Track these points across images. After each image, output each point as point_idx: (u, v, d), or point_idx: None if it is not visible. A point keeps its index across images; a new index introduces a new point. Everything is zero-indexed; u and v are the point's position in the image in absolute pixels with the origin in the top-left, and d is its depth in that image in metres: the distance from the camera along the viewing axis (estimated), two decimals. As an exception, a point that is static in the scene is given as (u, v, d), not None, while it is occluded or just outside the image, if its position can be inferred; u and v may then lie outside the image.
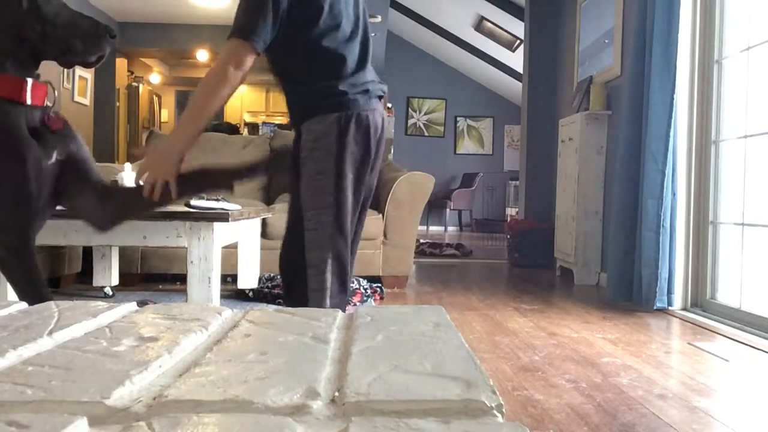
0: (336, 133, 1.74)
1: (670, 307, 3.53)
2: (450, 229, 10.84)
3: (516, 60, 8.84)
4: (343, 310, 1.66)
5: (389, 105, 10.41)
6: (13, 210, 1.58)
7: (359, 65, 1.82)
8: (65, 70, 7.16)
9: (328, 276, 1.76)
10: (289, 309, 0.89)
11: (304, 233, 1.78)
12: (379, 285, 3.96)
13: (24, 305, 0.87)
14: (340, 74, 1.77)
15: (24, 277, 1.62)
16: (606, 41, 4.79)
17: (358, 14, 1.87)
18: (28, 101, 1.60)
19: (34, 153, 1.58)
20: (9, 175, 1.56)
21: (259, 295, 3.73)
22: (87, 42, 1.65)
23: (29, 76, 1.64)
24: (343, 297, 1.82)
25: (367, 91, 1.80)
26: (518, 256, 5.73)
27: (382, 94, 1.88)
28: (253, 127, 12.51)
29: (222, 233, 2.89)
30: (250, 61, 1.71)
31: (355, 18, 1.85)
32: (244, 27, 1.68)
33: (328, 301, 1.75)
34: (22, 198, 1.58)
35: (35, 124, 1.64)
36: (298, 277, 1.79)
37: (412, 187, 4.28)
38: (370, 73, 1.85)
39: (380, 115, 1.85)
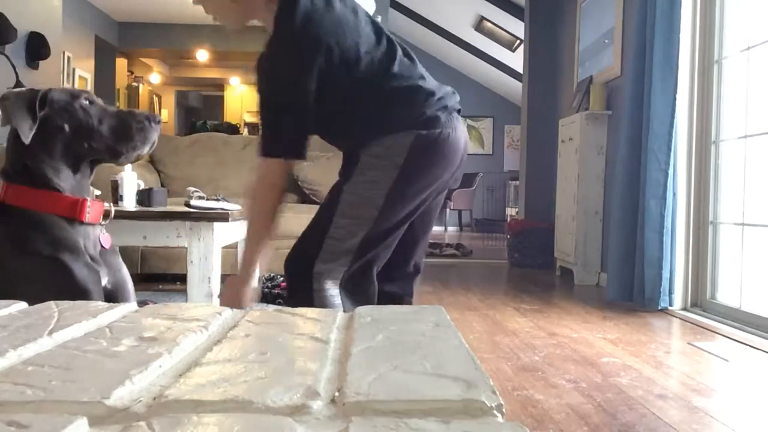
0: (410, 146, 1.55)
1: (670, 307, 3.53)
2: (450, 229, 10.85)
3: (516, 60, 8.84)
4: None
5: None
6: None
7: (426, 74, 1.65)
8: (65, 70, 7.17)
9: (337, 291, 1.59)
10: (289, 309, 0.89)
11: (325, 240, 1.59)
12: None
13: (24, 305, 0.87)
14: (417, 87, 1.59)
15: None
16: (606, 41, 4.79)
17: (379, 30, 1.67)
18: (87, 220, 1.61)
19: (93, 275, 1.58)
20: (66, 272, 1.55)
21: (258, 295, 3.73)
22: (135, 139, 1.64)
23: (85, 192, 1.64)
24: None
25: (445, 107, 1.61)
26: (518, 256, 5.73)
27: (459, 107, 1.69)
28: (253, 127, 12.52)
29: (222, 233, 2.89)
30: (288, 168, 1.59)
31: (381, 35, 1.65)
32: (270, 145, 1.56)
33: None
34: (86, 295, 1.55)
35: (91, 246, 1.64)
36: (301, 282, 1.64)
37: (412, 187, 4.27)
38: (433, 83, 1.67)
39: (462, 133, 1.65)
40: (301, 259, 1.62)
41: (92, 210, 1.61)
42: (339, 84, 1.57)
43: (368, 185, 1.57)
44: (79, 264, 1.55)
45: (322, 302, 1.57)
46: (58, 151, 1.58)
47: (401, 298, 1.77)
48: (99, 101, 1.65)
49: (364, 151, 1.58)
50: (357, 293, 1.62)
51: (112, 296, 1.67)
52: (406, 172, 1.55)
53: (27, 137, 1.51)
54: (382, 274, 1.69)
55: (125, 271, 1.75)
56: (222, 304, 1.67)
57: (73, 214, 1.58)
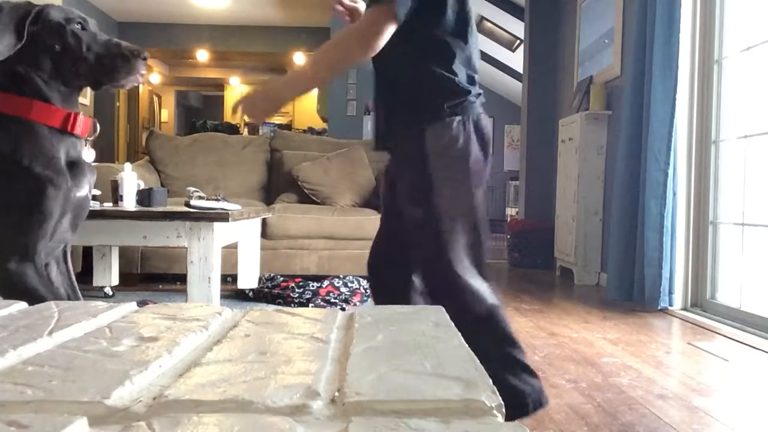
0: (463, 136, 1.58)
1: (670, 307, 3.53)
2: (450, 229, 10.83)
3: (516, 60, 8.84)
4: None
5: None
6: (27, 233, 1.63)
7: (477, 63, 1.66)
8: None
9: (476, 280, 1.60)
10: (289, 309, 0.89)
11: (441, 235, 1.60)
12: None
13: (24, 305, 0.87)
14: (463, 71, 1.61)
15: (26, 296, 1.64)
16: (606, 41, 4.80)
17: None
18: (78, 132, 1.69)
19: (65, 184, 1.65)
20: (35, 199, 1.61)
21: (259, 295, 3.73)
22: (119, 71, 1.70)
23: (75, 106, 1.73)
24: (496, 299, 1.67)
25: (480, 94, 1.65)
26: (518, 256, 5.73)
27: (483, 100, 1.72)
28: (253, 127, 12.52)
29: (222, 233, 2.89)
30: (389, 29, 1.52)
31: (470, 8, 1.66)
32: None
33: (488, 301, 1.60)
34: (45, 219, 1.62)
35: (76, 155, 1.72)
36: (452, 289, 1.62)
37: (412, 187, 4.27)
38: (476, 72, 1.69)
39: (488, 120, 1.69)
40: (440, 267, 1.61)
41: (82, 124, 1.70)
42: (420, 18, 1.54)
43: (450, 183, 1.61)
44: (56, 187, 1.61)
45: (474, 297, 1.58)
46: (47, 67, 1.65)
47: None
48: (92, 27, 1.71)
49: (430, 149, 1.59)
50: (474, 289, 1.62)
51: (84, 203, 1.76)
52: (471, 162, 1.61)
53: (3, 54, 1.56)
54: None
55: (94, 180, 1.83)
56: (245, 106, 1.59)
57: (65, 126, 1.66)
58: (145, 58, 1.72)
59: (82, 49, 1.67)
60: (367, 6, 1.58)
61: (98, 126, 1.81)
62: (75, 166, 1.70)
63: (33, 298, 1.60)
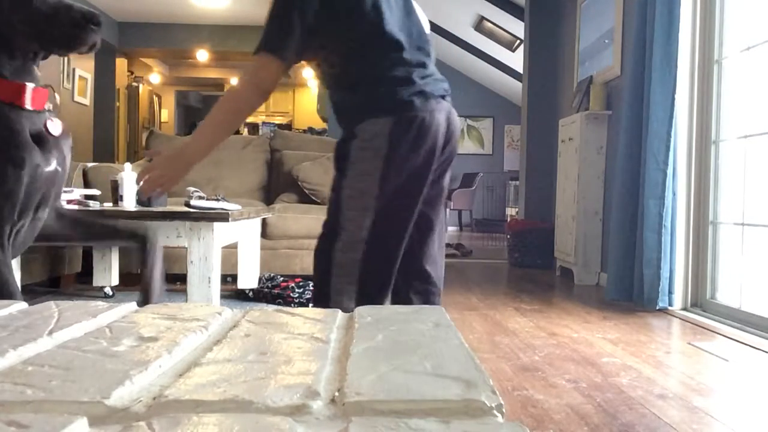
0: (388, 134, 1.60)
1: (670, 307, 3.53)
2: (450, 229, 10.84)
3: (516, 60, 8.84)
4: None
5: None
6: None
7: (415, 61, 1.67)
8: (65, 70, 7.17)
9: (356, 281, 1.63)
10: (289, 309, 0.89)
11: (340, 233, 1.64)
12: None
13: (24, 305, 0.87)
14: (393, 74, 1.63)
15: None
16: (606, 41, 4.79)
17: (409, 6, 1.72)
18: (28, 106, 1.58)
19: (32, 158, 1.58)
20: (2, 176, 1.55)
21: (259, 295, 3.73)
22: (71, 37, 1.59)
23: (30, 78, 1.61)
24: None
25: (422, 92, 1.63)
26: (518, 256, 5.73)
27: (443, 93, 1.70)
28: (253, 127, 12.53)
29: (222, 233, 2.89)
30: (277, 75, 1.62)
31: (405, 8, 1.70)
32: (268, 39, 1.59)
33: (350, 305, 1.61)
34: (8, 200, 1.56)
35: (38, 129, 1.62)
36: (324, 277, 1.68)
37: (412, 187, 4.27)
38: (426, 69, 1.69)
39: (444, 117, 1.68)
40: (324, 256, 1.67)
41: (35, 96, 1.57)
42: (332, 36, 1.62)
43: (360, 177, 1.63)
44: (16, 165, 1.53)
45: (343, 292, 1.62)
46: None
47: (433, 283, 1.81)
48: None
49: (353, 144, 1.64)
50: (372, 287, 1.66)
51: (56, 177, 1.67)
52: (390, 159, 1.61)
53: None
54: (403, 284, 1.74)
55: (67, 158, 1.74)
56: (147, 181, 1.64)
57: (14, 99, 1.54)
58: (98, 24, 1.60)
59: (29, 8, 1.54)
60: (254, 53, 1.63)
61: (57, 96, 1.70)
62: (39, 141, 1.60)
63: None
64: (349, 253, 1.64)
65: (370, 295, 1.63)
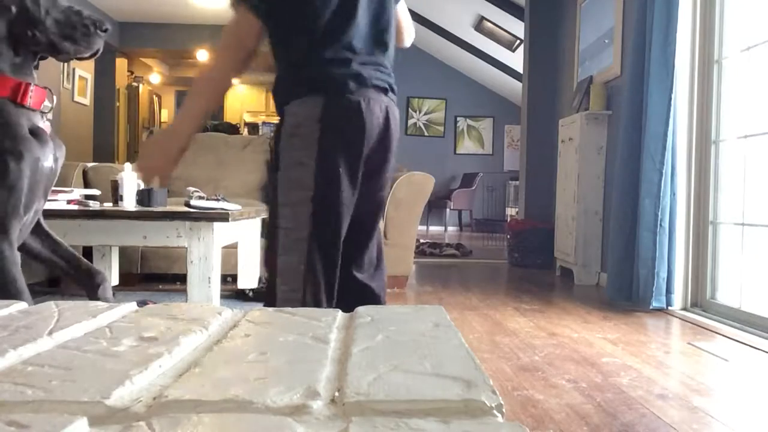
0: (319, 117, 1.50)
1: (669, 307, 3.53)
2: (450, 229, 10.85)
3: (516, 60, 8.84)
4: None
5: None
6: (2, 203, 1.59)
7: (360, 48, 1.56)
8: (65, 70, 7.17)
9: (302, 286, 1.51)
10: (289, 309, 0.89)
11: (278, 232, 1.53)
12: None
13: (24, 305, 0.87)
14: (330, 54, 1.53)
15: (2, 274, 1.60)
16: (606, 41, 4.80)
17: None
18: (29, 104, 1.61)
19: (32, 152, 1.60)
20: (3, 168, 1.57)
21: (259, 295, 3.73)
22: (78, 41, 1.64)
23: (29, 77, 1.65)
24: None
25: (359, 75, 1.53)
26: (518, 256, 5.73)
27: (384, 85, 1.59)
28: (253, 127, 12.52)
29: (222, 233, 2.89)
30: (253, 26, 1.52)
31: None
32: None
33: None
34: (12, 194, 1.58)
35: (35, 125, 1.65)
36: (271, 283, 1.57)
37: (412, 187, 4.28)
38: (373, 57, 1.58)
39: (381, 109, 1.57)
40: (269, 257, 1.56)
41: (35, 95, 1.61)
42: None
43: (294, 168, 1.53)
44: (19, 159, 1.56)
45: (290, 301, 1.49)
46: (2, 30, 1.59)
47: (372, 290, 1.69)
48: None
49: (283, 130, 1.55)
50: (317, 289, 1.54)
51: (51, 174, 1.70)
52: (323, 145, 1.51)
53: None
54: (349, 264, 1.63)
55: (61, 153, 1.77)
56: (141, 165, 1.55)
57: (15, 96, 1.58)
58: (105, 30, 1.66)
59: (39, 12, 1.60)
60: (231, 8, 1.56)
61: (54, 97, 1.73)
62: (36, 136, 1.63)
63: (5, 279, 1.57)
64: (291, 255, 1.52)
65: (316, 301, 1.52)
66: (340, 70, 1.53)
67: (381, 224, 1.70)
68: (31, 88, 1.62)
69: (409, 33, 1.82)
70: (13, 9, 1.59)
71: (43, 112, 1.68)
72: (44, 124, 1.69)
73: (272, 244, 1.55)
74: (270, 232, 1.56)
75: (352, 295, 1.63)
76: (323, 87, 1.53)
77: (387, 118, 1.59)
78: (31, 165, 1.60)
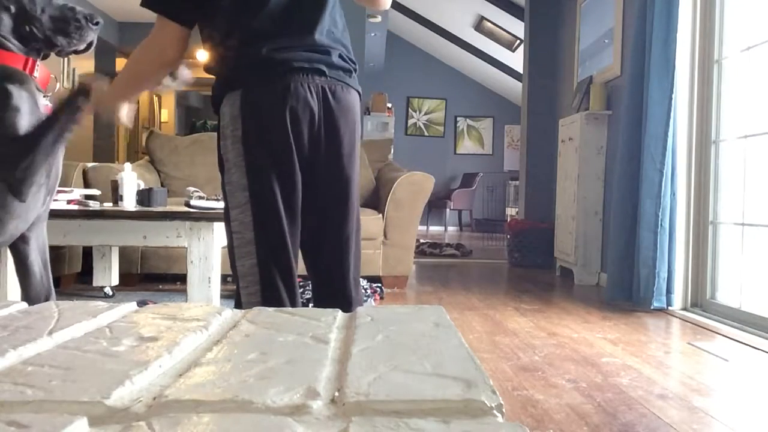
0: (239, 113, 1.46)
1: (669, 307, 3.53)
2: (450, 229, 10.85)
3: (516, 60, 8.84)
4: None
5: (389, 105, 10.42)
6: (10, 145, 1.67)
7: (267, 27, 1.49)
8: (65, 70, 7.17)
9: (259, 288, 1.48)
10: (289, 309, 0.89)
11: (233, 237, 1.51)
12: (379, 285, 3.96)
13: (24, 305, 0.87)
14: (236, 43, 1.48)
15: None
16: (606, 41, 4.80)
17: None
18: (36, 75, 1.74)
19: (29, 92, 1.72)
20: (9, 115, 1.67)
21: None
22: (71, 35, 1.75)
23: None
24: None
25: (271, 60, 1.46)
26: (518, 256, 5.73)
27: (317, 66, 1.49)
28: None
29: (222, 233, 2.89)
30: (175, 34, 1.49)
31: None
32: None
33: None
34: (16, 135, 1.67)
35: (41, 104, 1.77)
36: (237, 288, 1.55)
37: (412, 187, 4.28)
38: (296, 39, 1.50)
39: (312, 91, 1.48)
40: (232, 268, 1.55)
41: (41, 71, 1.76)
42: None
43: (231, 170, 1.50)
44: (20, 87, 1.68)
45: (251, 304, 1.46)
46: (7, 27, 1.72)
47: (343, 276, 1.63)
48: None
49: (220, 133, 1.53)
50: (275, 290, 1.50)
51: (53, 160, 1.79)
52: (246, 141, 1.47)
53: None
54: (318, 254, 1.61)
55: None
56: (95, 100, 1.63)
57: (25, 68, 1.73)
58: (97, 23, 1.77)
59: (36, 10, 1.72)
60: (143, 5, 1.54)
61: (57, 84, 1.88)
62: (39, 111, 1.74)
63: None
64: (245, 259, 1.49)
65: (278, 302, 1.49)
66: (251, 60, 1.47)
67: (358, 213, 1.65)
68: (38, 64, 1.75)
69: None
70: (12, 8, 1.72)
71: (46, 95, 1.79)
72: (47, 109, 1.80)
73: (230, 249, 1.53)
74: (228, 237, 1.54)
75: (321, 285, 1.63)
76: (237, 82, 1.48)
77: (325, 99, 1.50)
78: (28, 99, 1.71)
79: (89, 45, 1.79)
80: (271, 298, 1.48)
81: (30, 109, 1.69)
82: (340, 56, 1.55)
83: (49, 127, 1.68)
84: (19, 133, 1.66)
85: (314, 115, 1.50)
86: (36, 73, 1.74)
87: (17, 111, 1.66)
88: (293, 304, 1.52)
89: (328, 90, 1.51)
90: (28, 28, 1.72)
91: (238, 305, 1.51)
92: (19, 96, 1.68)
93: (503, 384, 2.11)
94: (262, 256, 1.48)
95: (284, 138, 1.47)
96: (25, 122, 1.67)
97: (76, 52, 1.80)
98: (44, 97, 1.77)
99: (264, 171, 1.47)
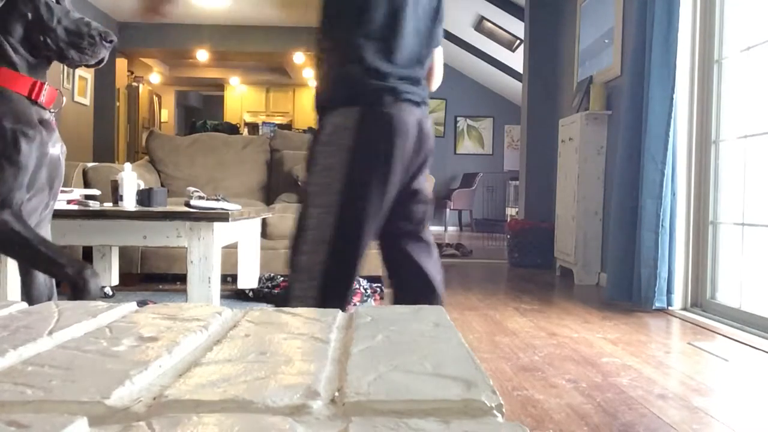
0: (353, 126, 1.57)
1: (670, 307, 3.53)
2: (450, 229, 10.84)
3: (516, 60, 8.83)
4: None
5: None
6: (2, 184, 1.67)
7: (398, 57, 1.62)
8: (65, 69, 7.17)
9: (316, 285, 1.57)
10: (289, 309, 0.89)
11: (305, 233, 1.60)
12: (379, 285, 3.96)
13: (24, 305, 0.87)
14: (372, 65, 1.59)
15: (32, 250, 1.68)
16: (606, 41, 4.79)
17: (435, 15, 1.72)
18: (42, 101, 1.74)
19: (38, 137, 1.71)
20: (9, 152, 1.66)
21: (259, 295, 3.73)
22: (84, 50, 1.75)
23: (41, 78, 1.77)
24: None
25: (394, 89, 1.60)
26: (518, 256, 5.73)
27: (418, 99, 1.66)
28: (253, 127, 12.52)
29: (222, 233, 2.89)
30: None
31: (431, 16, 1.70)
32: None
33: None
34: (15, 175, 1.67)
35: (44, 118, 1.77)
36: (290, 279, 1.64)
37: (412, 187, 4.27)
38: (411, 72, 1.65)
39: (415, 121, 1.63)
40: (291, 257, 1.63)
41: (47, 93, 1.76)
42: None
43: (324, 172, 1.60)
44: (29, 138, 1.67)
45: (303, 299, 1.56)
46: (18, 34, 1.71)
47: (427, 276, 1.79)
48: (68, 3, 1.78)
49: (319, 138, 1.62)
50: (333, 291, 1.60)
51: (59, 163, 1.81)
52: (355, 153, 1.58)
53: None
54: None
55: (64, 150, 1.87)
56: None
57: (31, 94, 1.72)
58: (111, 42, 1.78)
59: (52, 20, 1.72)
60: None
61: (63, 99, 1.86)
62: (45, 125, 1.74)
63: (13, 242, 1.66)
64: (313, 255, 1.58)
65: (328, 302, 1.54)
66: (378, 83, 1.60)
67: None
68: (45, 87, 1.74)
69: (438, 78, 1.87)
70: (29, 15, 1.72)
71: (51, 111, 1.79)
72: (53, 123, 1.81)
73: (296, 243, 1.61)
74: (297, 231, 1.62)
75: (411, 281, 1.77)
76: (360, 99, 1.60)
77: (421, 131, 1.66)
78: (39, 148, 1.71)
79: (100, 61, 1.80)
80: (325, 297, 1.57)
81: (36, 156, 1.70)
82: (426, 93, 1.75)
83: (37, 244, 1.66)
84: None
85: (414, 144, 1.65)
86: (43, 97, 1.73)
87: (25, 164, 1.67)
88: (343, 308, 1.61)
89: (422, 123, 1.68)
90: (42, 38, 1.72)
91: (287, 298, 1.60)
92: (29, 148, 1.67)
93: (503, 384, 2.11)
94: (332, 258, 1.58)
95: (390, 161, 1.60)
96: (29, 150, 1.67)
97: (86, 66, 1.81)
98: (50, 112, 1.78)
99: (364, 184, 1.59)
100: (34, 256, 1.70)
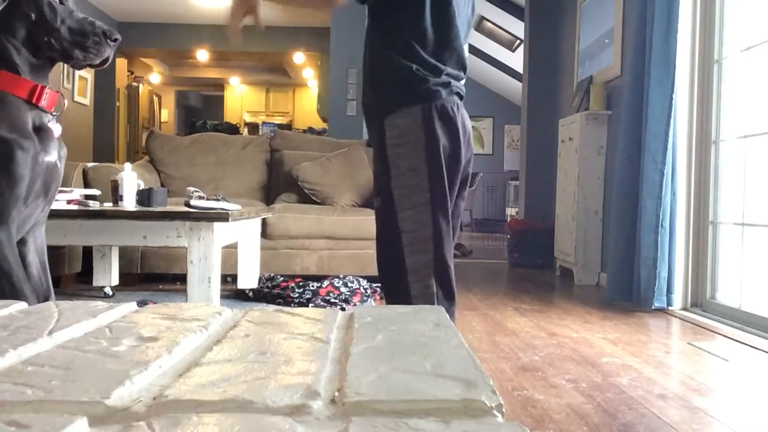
0: (421, 124, 1.61)
1: (670, 307, 3.53)
2: (450, 229, 10.83)
3: (516, 60, 8.84)
4: (452, 320, 1.49)
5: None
6: (2, 195, 1.65)
7: (446, 55, 1.66)
8: (65, 69, 7.17)
9: (433, 281, 1.65)
10: (289, 309, 0.89)
11: (401, 236, 1.63)
12: (380, 285, 3.96)
13: (24, 305, 0.87)
14: (427, 61, 1.63)
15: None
16: (606, 41, 4.80)
17: (470, 19, 1.77)
18: (43, 105, 1.72)
19: (33, 148, 1.68)
20: (4, 163, 1.63)
21: (259, 295, 3.73)
22: (88, 49, 1.74)
23: (44, 80, 1.76)
24: (451, 303, 1.71)
25: (447, 84, 1.64)
26: (518, 256, 5.73)
27: (462, 93, 1.72)
28: (253, 127, 12.52)
29: (222, 233, 2.89)
30: None
31: (468, 18, 1.74)
32: None
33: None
34: (11, 188, 1.65)
35: (41, 123, 1.74)
36: (398, 284, 1.67)
37: (412, 187, 4.27)
38: (455, 69, 1.69)
39: (464, 115, 1.70)
40: (390, 261, 1.67)
41: (48, 97, 1.73)
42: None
43: (410, 173, 1.63)
44: (24, 150, 1.65)
45: (425, 296, 1.63)
46: (21, 35, 1.70)
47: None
48: (71, 3, 1.77)
49: (386, 141, 1.64)
50: (446, 284, 1.68)
51: (56, 170, 1.79)
52: (431, 149, 1.62)
53: None
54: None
55: (64, 154, 1.86)
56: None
57: (31, 97, 1.69)
58: (115, 40, 1.76)
59: (56, 21, 1.70)
60: None
61: (65, 102, 1.84)
62: (41, 132, 1.72)
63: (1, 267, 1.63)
64: (420, 255, 1.63)
65: (448, 292, 1.68)
66: (434, 79, 1.63)
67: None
68: (46, 90, 1.72)
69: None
70: (33, 16, 1.70)
71: (53, 114, 1.76)
72: (54, 125, 1.78)
73: (396, 249, 1.64)
74: (390, 238, 1.66)
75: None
76: (419, 97, 1.62)
77: (464, 124, 1.71)
78: (34, 158, 1.69)
79: (104, 60, 1.78)
80: (445, 289, 1.67)
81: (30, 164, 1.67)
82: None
83: (11, 275, 1.64)
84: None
85: (466, 135, 1.71)
86: (43, 101, 1.71)
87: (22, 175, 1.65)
88: (454, 297, 1.74)
89: (465, 114, 1.72)
90: (45, 38, 1.70)
91: (401, 300, 1.64)
92: (24, 158, 1.65)
93: (503, 384, 2.11)
94: (439, 251, 1.64)
95: (457, 151, 1.65)
96: (25, 160, 1.65)
97: (91, 66, 1.79)
98: (51, 116, 1.76)
99: (444, 178, 1.63)
100: (5, 285, 1.66)
